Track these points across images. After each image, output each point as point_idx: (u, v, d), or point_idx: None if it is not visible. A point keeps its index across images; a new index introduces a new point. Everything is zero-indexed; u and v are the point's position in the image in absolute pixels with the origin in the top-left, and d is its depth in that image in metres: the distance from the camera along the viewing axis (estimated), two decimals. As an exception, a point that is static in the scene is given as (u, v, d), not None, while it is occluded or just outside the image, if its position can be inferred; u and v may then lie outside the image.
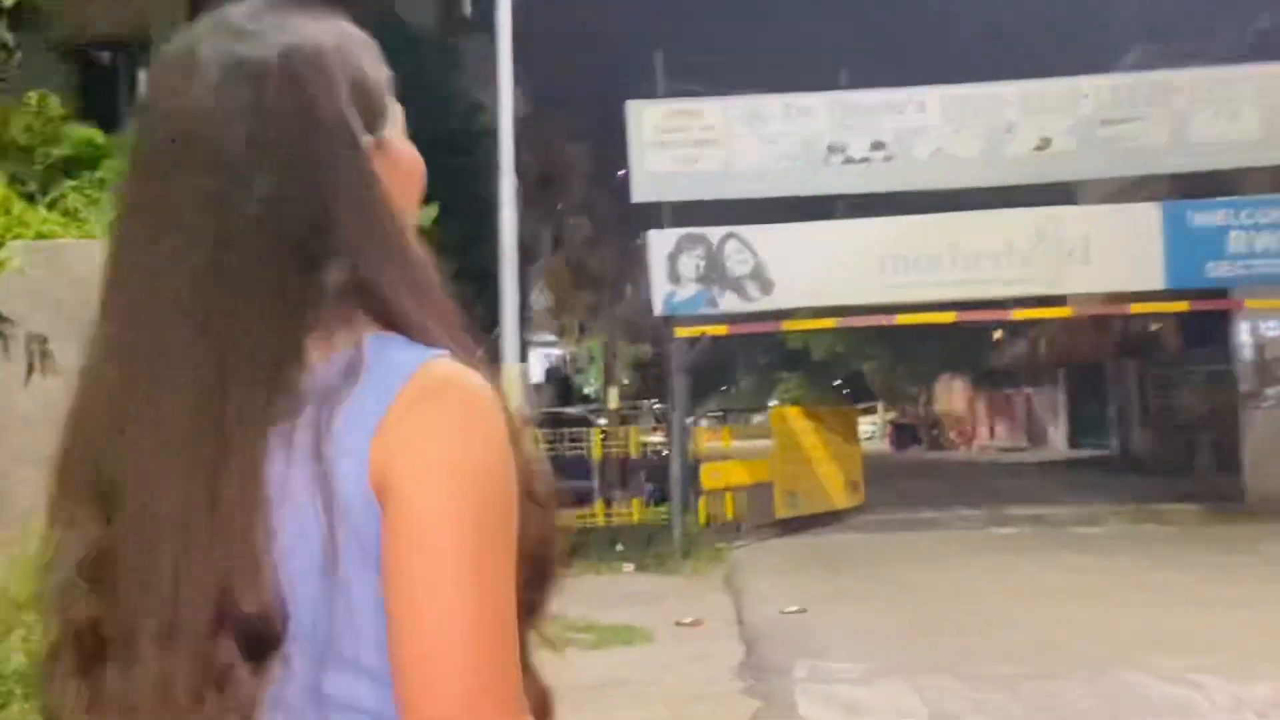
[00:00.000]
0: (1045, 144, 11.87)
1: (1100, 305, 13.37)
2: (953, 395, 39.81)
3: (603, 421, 14.57)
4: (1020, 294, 11.91)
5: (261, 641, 0.71)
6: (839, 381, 47.56)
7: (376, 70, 0.84)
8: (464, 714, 0.70)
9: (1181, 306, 12.11)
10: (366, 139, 0.80)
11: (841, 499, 13.86)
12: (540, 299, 28.06)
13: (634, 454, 11.88)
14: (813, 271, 11.52)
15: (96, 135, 7.71)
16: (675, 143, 11.84)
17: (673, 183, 11.82)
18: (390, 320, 0.77)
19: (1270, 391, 13.32)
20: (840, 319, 12.43)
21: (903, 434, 37.59)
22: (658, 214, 12.01)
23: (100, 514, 0.74)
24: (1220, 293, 12.58)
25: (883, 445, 38.19)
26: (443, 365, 0.75)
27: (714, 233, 11.94)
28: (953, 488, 18.82)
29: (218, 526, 0.71)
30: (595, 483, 11.87)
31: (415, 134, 0.88)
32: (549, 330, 27.59)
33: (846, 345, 35.50)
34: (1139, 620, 6.92)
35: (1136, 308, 12.12)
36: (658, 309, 11.89)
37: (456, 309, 0.82)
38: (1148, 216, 11.71)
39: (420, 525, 0.72)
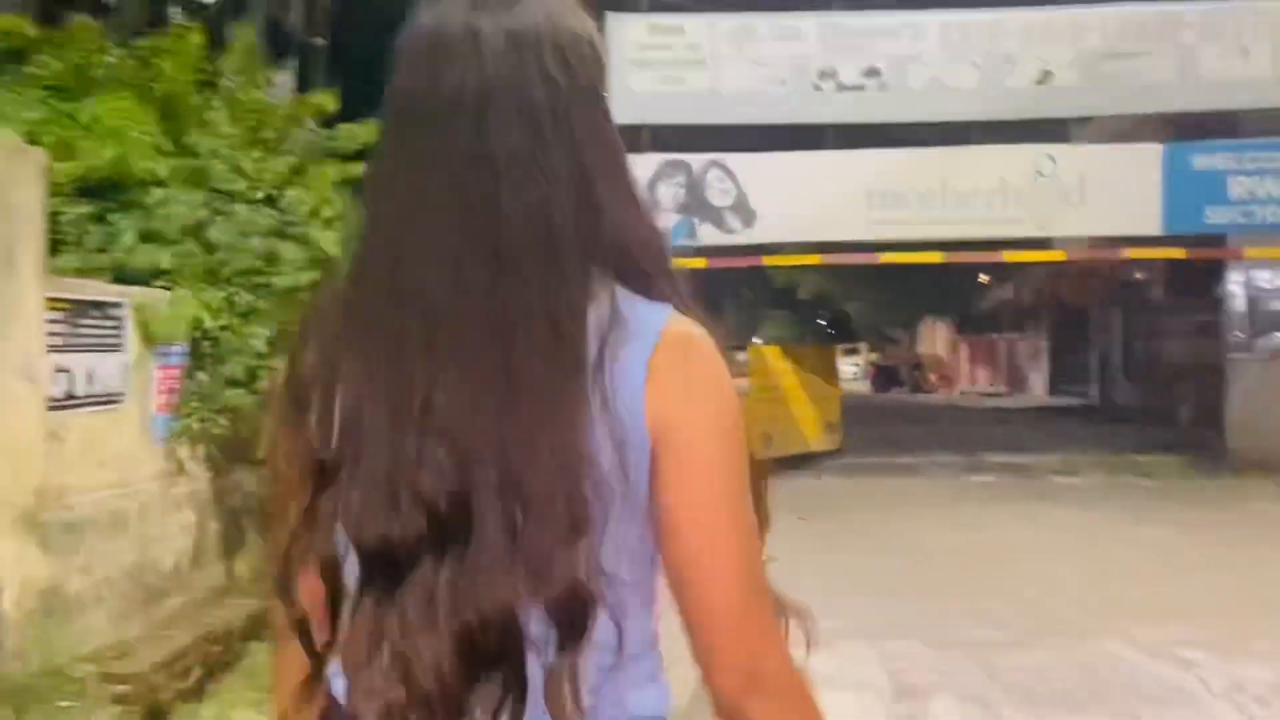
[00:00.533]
0: (1046, 77, 11.27)
1: (1094, 250, 12.90)
2: (936, 338, 39.58)
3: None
4: (1012, 235, 11.41)
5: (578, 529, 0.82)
6: (824, 320, 47.17)
7: (600, 40, 0.95)
8: (744, 673, 0.86)
9: (1178, 253, 11.66)
10: (607, 99, 0.93)
11: (818, 441, 13.51)
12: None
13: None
14: (798, 205, 10.96)
15: (24, 25, 7.04)
16: (657, 62, 11.17)
17: (655, 104, 11.17)
18: (629, 276, 0.89)
19: (1259, 343, 12.95)
20: (824, 256, 11.88)
21: (885, 375, 37.32)
22: (637, 138, 11.38)
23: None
24: (1218, 240, 12.13)
25: (865, 386, 37.96)
26: (682, 321, 0.89)
27: (696, 160, 11.35)
28: (932, 432, 18.53)
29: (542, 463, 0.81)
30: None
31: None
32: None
33: (833, 284, 34.98)
34: (1119, 582, 6.59)
35: (1132, 253, 11.66)
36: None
37: (678, 267, 0.93)
38: (1148, 158, 11.19)
39: (705, 463, 0.86)
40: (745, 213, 11.18)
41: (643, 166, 11.25)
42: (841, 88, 11.26)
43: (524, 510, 0.81)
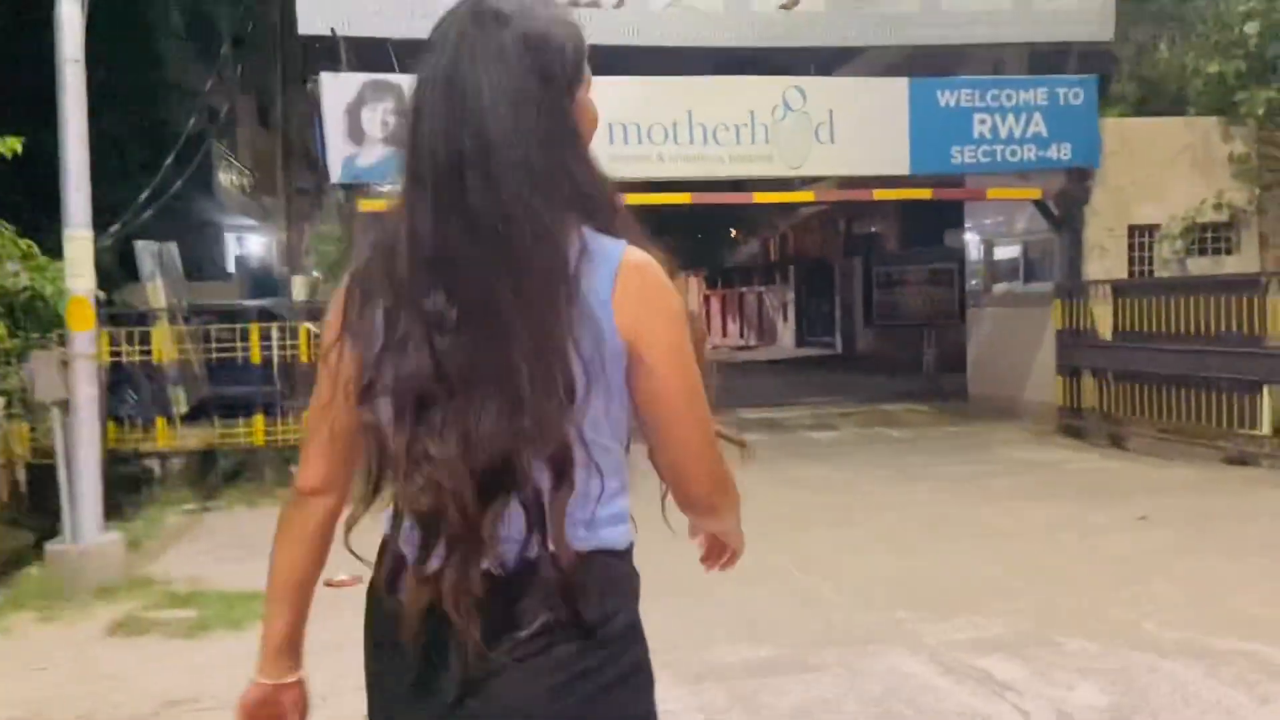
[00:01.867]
0: (792, 2, 10.40)
1: (842, 191, 12.40)
2: (689, 293, 39.62)
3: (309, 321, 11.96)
4: (762, 174, 10.52)
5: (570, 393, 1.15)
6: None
7: (579, 45, 1.24)
8: (711, 478, 1.29)
9: (923, 194, 11.24)
10: (580, 88, 1.24)
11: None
12: (238, 178, 24.22)
13: (306, 358, 9.54)
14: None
15: None
16: (353, -39, 9.31)
17: (348, 10, 9.32)
18: (594, 218, 1.20)
19: (996, 289, 12.97)
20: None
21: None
22: (333, 54, 9.50)
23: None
24: (959, 181, 11.87)
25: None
26: (635, 252, 1.20)
27: (408, 81, 9.61)
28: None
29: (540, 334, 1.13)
30: (255, 390, 9.49)
31: None
32: (250, 214, 23.92)
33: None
34: (894, 557, 5.73)
35: (879, 194, 11.16)
36: (334, 174, 9.47)
37: (629, 210, 1.26)
38: (895, 93, 10.60)
39: (667, 355, 1.19)
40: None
41: (341, 88, 9.41)
42: (574, 3, 9.86)
43: (530, 383, 1.12)
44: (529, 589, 1.16)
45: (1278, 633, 4.07)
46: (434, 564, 1.15)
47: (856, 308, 24.22)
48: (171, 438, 9.11)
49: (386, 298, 1.17)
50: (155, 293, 9.40)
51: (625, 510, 1.25)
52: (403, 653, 1.19)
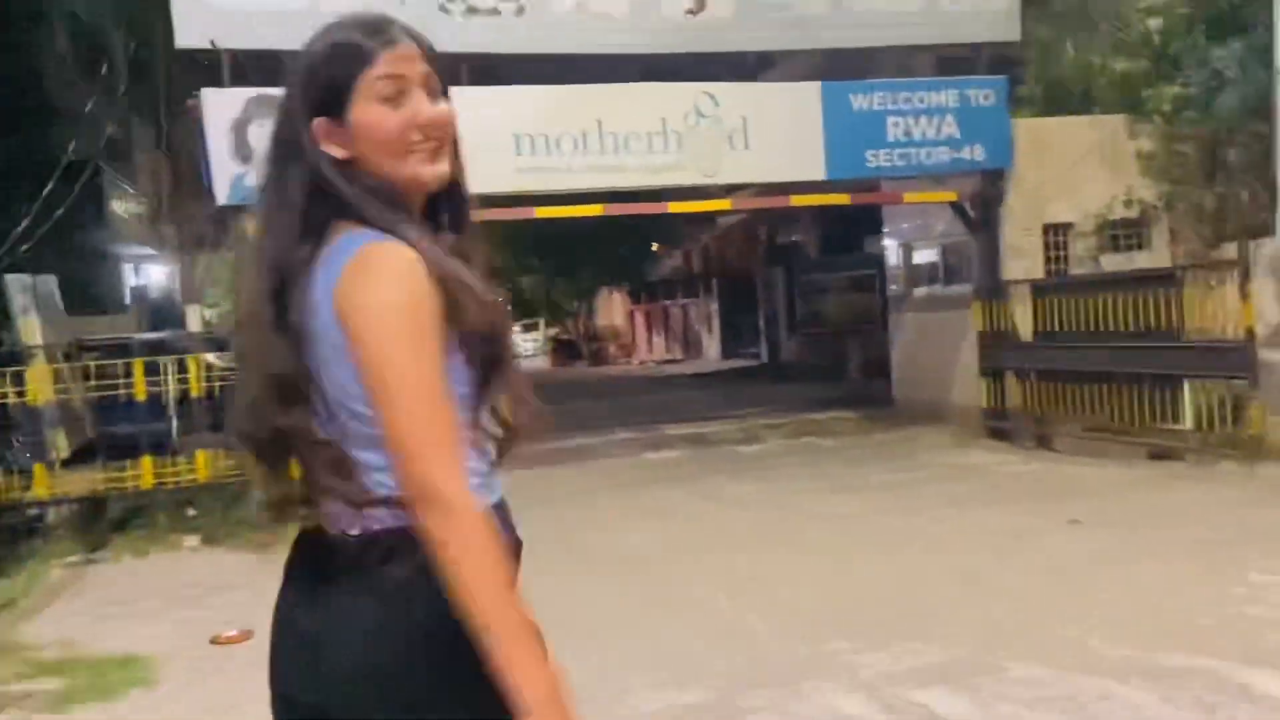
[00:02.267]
0: (700, 6, 10.16)
1: (759, 199, 12.20)
2: (613, 309, 39.34)
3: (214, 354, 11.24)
4: (675, 183, 10.23)
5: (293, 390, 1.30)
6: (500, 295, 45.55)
7: (338, 67, 1.34)
8: (418, 492, 1.22)
9: (841, 199, 11.10)
10: (317, 121, 1.34)
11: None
12: (135, 205, 23.13)
13: (197, 392, 8.92)
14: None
15: None
16: (238, -30, 8.78)
17: (236, 24, 8.78)
18: (364, 219, 1.31)
19: (916, 293, 12.90)
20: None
21: (564, 350, 36.49)
22: (215, 68, 8.94)
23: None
24: (875, 185, 11.75)
25: (544, 362, 36.92)
26: (375, 244, 1.27)
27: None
28: (610, 406, 17.46)
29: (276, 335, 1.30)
30: (142, 429, 8.84)
31: None
32: (149, 243, 22.85)
33: (503, 256, 33.45)
34: (827, 578, 5.43)
35: (795, 200, 10.98)
36: (221, 197, 8.90)
37: (405, 210, 1.34)
38: (808, 96, 10.43)
39: (367, 339, 1.23)
40: (367, 162, 9.12)
41: (225, 104, 8.85)
42: (473, 11, 9.47)
43: (256, 376, 1.32)
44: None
45: (1224, 645, 3.87)
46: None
47: (780, 317, 24.18)
48: (50, 485, 8.41)
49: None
50: (29, 329, 8.71)
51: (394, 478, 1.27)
52: None
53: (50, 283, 10.01)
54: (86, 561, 7.89)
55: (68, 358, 9.44)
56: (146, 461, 8.79)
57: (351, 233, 1.27)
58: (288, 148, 1.33)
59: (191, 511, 8.91)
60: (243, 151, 8.80)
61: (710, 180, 10.26)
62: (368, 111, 1.32)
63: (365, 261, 1.24)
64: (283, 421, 1.28)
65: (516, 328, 48.83)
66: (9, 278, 8.63)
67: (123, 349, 10.02)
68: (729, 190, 11.66)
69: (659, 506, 8.16)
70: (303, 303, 1.27)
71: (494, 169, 9.20)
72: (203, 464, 8.92)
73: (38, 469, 8.40)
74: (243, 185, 8.84)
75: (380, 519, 1.26)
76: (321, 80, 1.32)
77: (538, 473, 10.28)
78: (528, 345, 45.90)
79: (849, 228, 21.29)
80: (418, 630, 1.22)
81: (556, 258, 32.89)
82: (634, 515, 7.87)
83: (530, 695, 1.17)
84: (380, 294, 1.23)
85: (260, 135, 8.80)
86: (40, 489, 8.41)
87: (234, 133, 8.81)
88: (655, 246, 36.45)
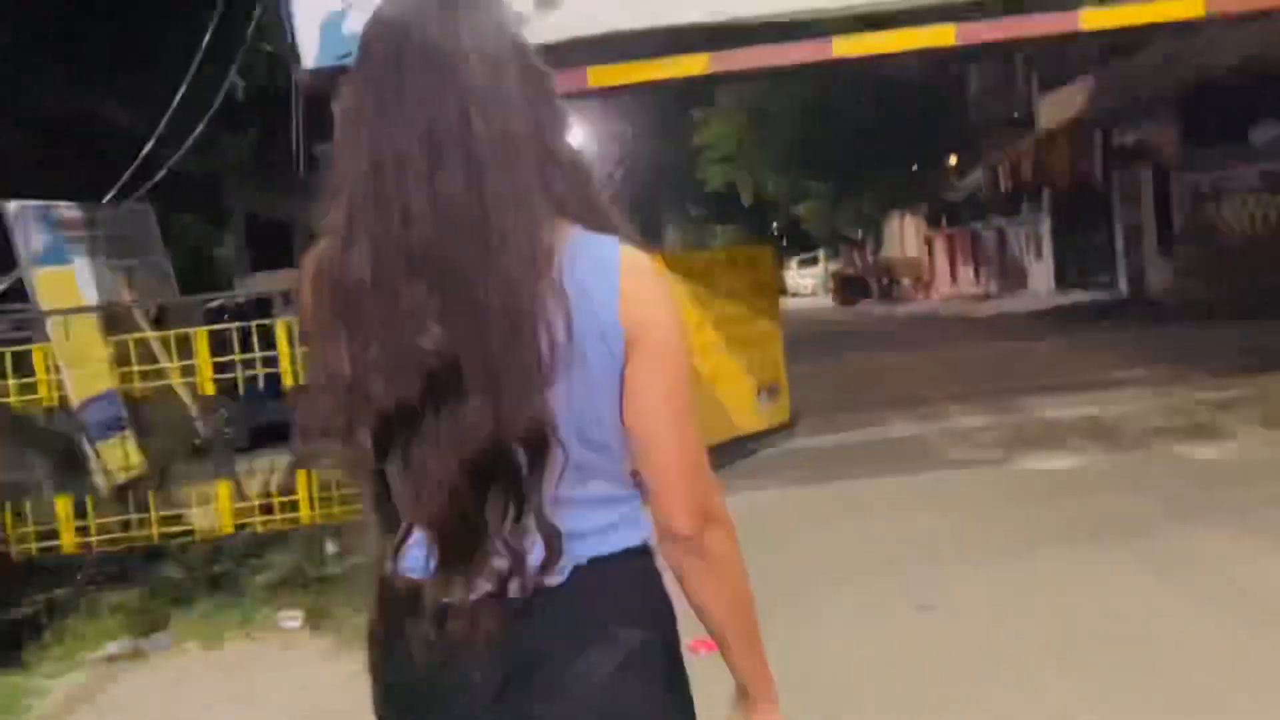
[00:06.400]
0: None
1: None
2: (905, 236, 33.89)
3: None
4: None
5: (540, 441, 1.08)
6: (776, 229, 41.27)
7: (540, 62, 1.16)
8: (697, 511, 1.12)
9: None
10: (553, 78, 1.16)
11: (750, 416, 7.78)
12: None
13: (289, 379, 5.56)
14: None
15: None
16: None
17: None
18: (577, 213, 1.12)
19: None
20: (714, 57, 5.75)
21: (850, 287, 31.65)
22: None
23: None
24: None
25: (827, 300, 32.36)
26: (630, 249, 1.12)
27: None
28: (920, 362, 12.89)
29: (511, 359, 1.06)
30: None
31: None
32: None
33: (778, 182, 29.10)
34: None
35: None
36: (309, 57, 5.37)
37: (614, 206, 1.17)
38: None
39: (670, 352, 1.11)
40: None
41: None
42: None
43: (498, 370, 1.05)
44: (552, 597, 1.11)
45: None
46: (454, 574, 1.09)
47: (1147, 233, 18.17)
48: (73, 533, 5.38)
49: (343, 306, 1.08)
50: (52, 284, 5.68)
51: (636, 509, 1.16)
52: (428, 686, 1.12)
53: (141, 217, 7.01)
54: (133, 652, 4.84)
55: (158, 323, 6.47)
56: (224, 492, 5.59)
57: (580, 229, 1.12)
58: (538, 104, 1.12)
59: (331, 549, 5.67)
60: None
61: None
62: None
63: (646, 267, 1.12)
64: (529, 420, 1.07)
65: (793, 263, 44.47)
66: (9, 205, 5.54)
67: (262, 307, 6.91)
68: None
69: (1077, 597, 3.82)
70: (551, 296, 1.07)
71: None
72: (304, 495, 5.59)
73: (61, 508, 5.39)
74: (342, 34, 5.25)
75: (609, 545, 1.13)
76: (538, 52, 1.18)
77: (851, 491, 6.12)
78: (806, 283, 41.38)
79: (1224, 113, 15.23)
80: (669, 650, 1.17)
81: (837, 178, 28.13)
82: (1059, 641, 3.59)
83: (775, 688, 1.22)
84: (672, 309, 1.14)
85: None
86: (66, 538, 5.41)
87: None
88: (953, 160, 30.68)
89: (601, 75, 5.13)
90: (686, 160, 29.83)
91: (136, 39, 11.45)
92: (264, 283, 10.52)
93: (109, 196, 7.89)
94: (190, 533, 5.50)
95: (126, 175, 8.27)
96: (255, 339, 5.39)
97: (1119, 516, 5.22)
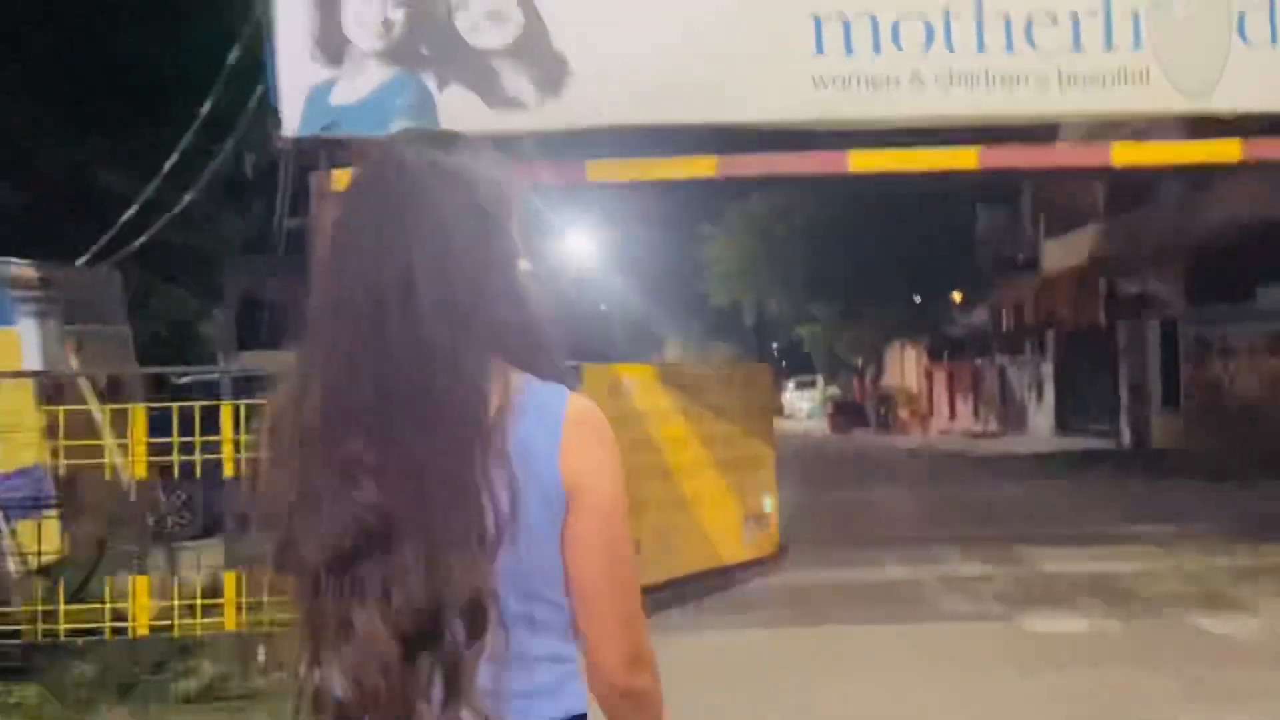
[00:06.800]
0: None
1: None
2: (905, 366, 33.74)
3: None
4: (1133, 109, 5.29)
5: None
6: (776, 349, 41.09)
7: (511, 190, 1.20)
8: (631, 658, 1.14)
9: None
10: (508, 222, 1.18)
11: (735, 544, 7.24)
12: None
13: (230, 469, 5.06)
14: (660, 47, 4.84)
15: None
16: None
17: None
18: (523, 361, 1.13)
19: None
20: (721, 160, 5.39)
21: (846, 414, 31.23)
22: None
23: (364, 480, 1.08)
24: None
25: (822, 425, 31.90)
26: (579, 400, 1.14)
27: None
28: (919, 500, 12.38)
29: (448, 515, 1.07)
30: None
31: None
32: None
33: (782, 304, 29.06)
34: None
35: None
36: (290, 125, 5.05)
37: (560, 350, 1.19)
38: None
39: (609, 508, 1.12)
40: (543, 62, 4.97)
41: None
42: None
43: (445, 534, 1.05)
44: None
45: None
46: None
47: (1151, 384, 17.87)
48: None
49: (295, 448, 1.09)
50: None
51: (578, 669, 1.17)
52: None
53: (105, 281, 6.64)
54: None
55: (111, 395, 6.02)
56: (143, 586, 5.04)
57: (521, 376, 1.13)
58: (481, 256, 1.13)
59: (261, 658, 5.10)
60: (328, 45, 4.93)
61: (1196, 106, 5.22)
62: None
63: (589, 421, 1.14)
64: (470, 591, 1.07)
65: (789, 385, 44.20)
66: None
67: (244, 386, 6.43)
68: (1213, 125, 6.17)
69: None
70: (495, 464, 1.08)
71: (776, 76, 4.76)
72: (231, 597, 5.04)
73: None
74: (326, 103, 4.96)
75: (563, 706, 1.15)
76: (507, 193, 1.19)
77: (821, 635, 5.55)
78: (803, 405, 41.00)
79: (1232, 271, 15.14)
80: None
81: (839, 304, 28.08)
82: None
83: None
84: (613, 462, 1.15)
85: (369, 17, 4.93)
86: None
87: (319, 10, 4.98)
88: (957, 296, 30.71)
89: (601, 170, 4.82)
90: (691, 274, 29.85)
91: (151, 107, 11.37)
92: (251, 361, 10.10)
93: (82, 260, 7.55)
94: (101, 631, 4.92)
95: (104, 239, 7.95)
96: (227, 419, 4.94)
97: (1136, 697, 4.67)
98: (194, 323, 15.28)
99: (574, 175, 4.88)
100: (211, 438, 4.98)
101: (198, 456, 5.00)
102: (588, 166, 4.78)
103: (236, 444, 4.91)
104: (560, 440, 1.10)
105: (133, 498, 5.77)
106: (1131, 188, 19.18)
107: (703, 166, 5.00)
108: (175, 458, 4.87)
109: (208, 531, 6.89)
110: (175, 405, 4.93)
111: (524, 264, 1.16)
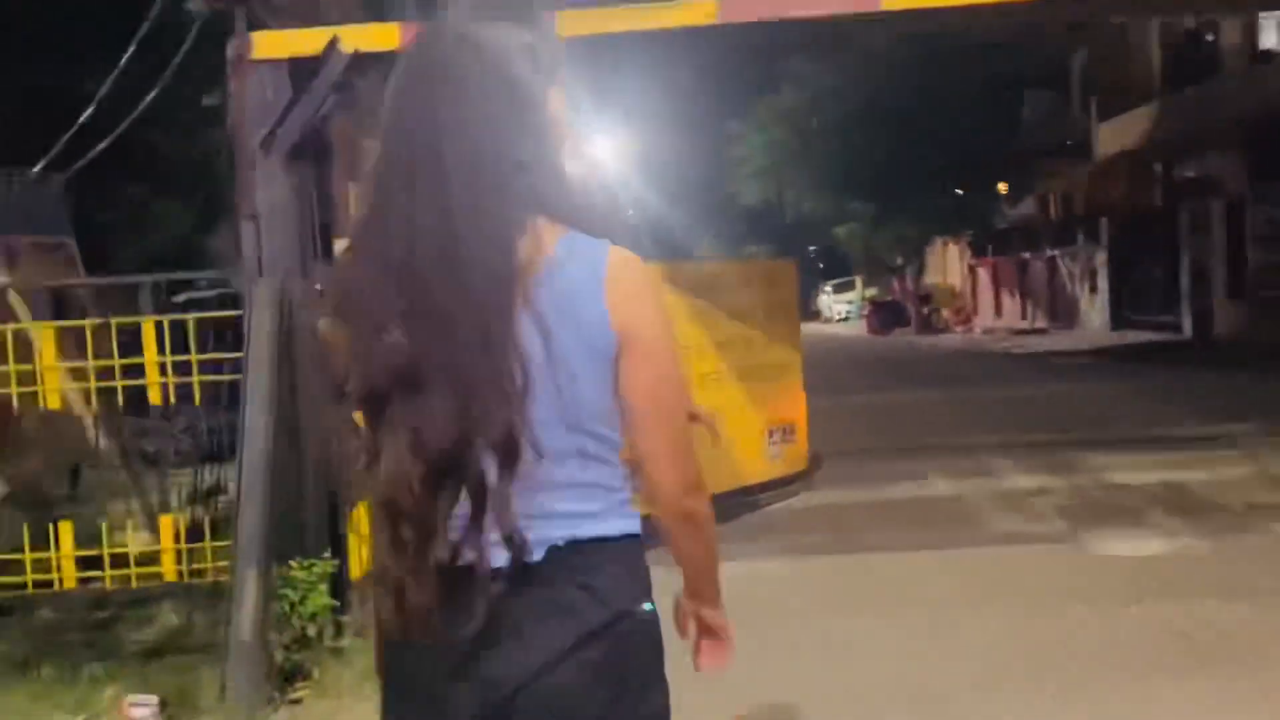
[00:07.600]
0: None
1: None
2: (947, 263, 32.41)
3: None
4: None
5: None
6: (812, 252, 39.77)
7: (554, 54, 1.30)
8: (687, 483, 1.27)
9: None
10: (553, 92, 1.29)
11: (758, 461, 6.48)
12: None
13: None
14: None
15: None
16: None
17: None
18: (574, 220, 1.24)
19: None
20: (724, 6, 4.48)
21: (884, 314, 30.14)
22: None
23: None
24: None
25: (861, 328, 30.90)
26: (619, 249, 1.24)
27: None
28: (957, 401, 11.53)
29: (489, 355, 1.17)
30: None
31: None
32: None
33: (816, 202, 27.77)
34: None
35: None
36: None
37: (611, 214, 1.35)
38: None
39: (657, 349, 1.24)
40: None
41: None
42: None
43: (468, 384, 1.15)
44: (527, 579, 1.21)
45: None
46: (404, 551, 1.18)
47: (1216, 271, 16.65)
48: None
49: (351, 303, 1.22)
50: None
51: (628, 498, 1.28)
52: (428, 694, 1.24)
53: (45, 190, 5.89)
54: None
55: (58, 313, 5.37)
56: (66, 530, 4.40)
57: (567, 231, 1.24)
58: (515, 121, 1.24)
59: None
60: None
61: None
62: (560, 106, 1.32)
63: (632, 266, 1.24)
64: (503, 428, 1.18)
65: (827, 288, 42.90)
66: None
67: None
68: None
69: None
70: (524, 314, 1.19)
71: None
72: (166, 534, 4.40)
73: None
74: None
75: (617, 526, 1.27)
76: (547, 59, 1.30)
77: (855, 565, 4.79)
78: (840, 308, 39.83)
79: None
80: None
81: (877, 200, 26.75)
82: None
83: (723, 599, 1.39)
84: (659, 308, 1.25)
85: None
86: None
87: None
88: (1002, 187, 29.15)
89: (575, 22, 3.93)
90: (720, 173, 28.64)
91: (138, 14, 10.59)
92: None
93: (38, 167, 6.80)
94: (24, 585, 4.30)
95: (62, 142, 7.20)
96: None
97: (1232, 632, 3.89)
98: (193, 239, 14.64)
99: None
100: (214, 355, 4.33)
101: (195, 378, 4.33)
102: (559, 18, 3.90)
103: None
104: (605, 288, 1.21)
105: (95, 425, 5.17)
106: (1191, 63, 17.67)
107: (701, 13, 4.09)
108: (170, 379, 4.17)
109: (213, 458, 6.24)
110: (165, 320, 4.20)
111: (567, 130, 1.27)
